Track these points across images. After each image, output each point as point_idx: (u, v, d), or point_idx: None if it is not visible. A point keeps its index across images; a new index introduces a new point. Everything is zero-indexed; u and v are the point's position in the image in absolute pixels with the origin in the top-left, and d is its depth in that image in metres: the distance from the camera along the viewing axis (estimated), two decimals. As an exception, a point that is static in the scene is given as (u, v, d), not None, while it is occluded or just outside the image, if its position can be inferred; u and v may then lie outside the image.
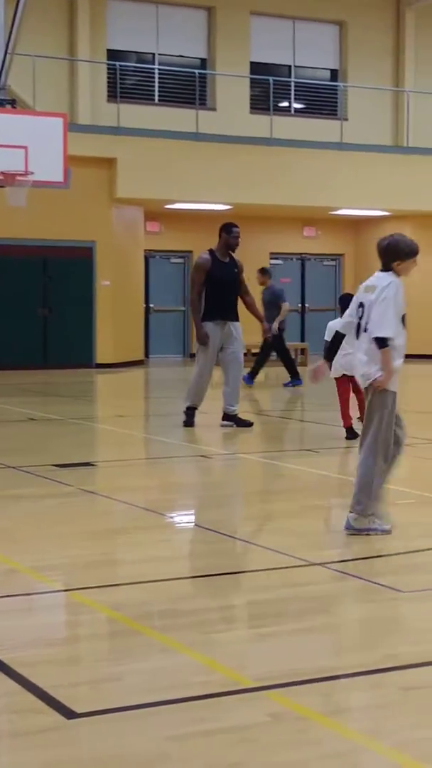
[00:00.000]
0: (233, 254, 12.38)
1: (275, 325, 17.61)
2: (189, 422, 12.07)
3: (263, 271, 18.83)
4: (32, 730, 3.64)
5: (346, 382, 11.09)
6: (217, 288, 12.14)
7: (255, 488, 9.13)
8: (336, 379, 11.18)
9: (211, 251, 12.34)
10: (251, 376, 17.90)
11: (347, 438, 11.02)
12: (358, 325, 6.77)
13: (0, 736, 3.66)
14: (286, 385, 18.32)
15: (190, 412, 12.12)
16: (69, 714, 3.76)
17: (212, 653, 4.47)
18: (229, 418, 12.11)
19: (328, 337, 10.47)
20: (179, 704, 3.87)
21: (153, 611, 5.12)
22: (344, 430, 11.19)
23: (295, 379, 18.24)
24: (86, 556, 6.20)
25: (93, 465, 9.98)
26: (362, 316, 6.73)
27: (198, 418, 12.13)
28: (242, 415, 12.23)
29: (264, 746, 3.52)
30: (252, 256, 26.98)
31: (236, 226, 12.42)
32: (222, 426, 12.07)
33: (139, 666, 4.33)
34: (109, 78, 23.79)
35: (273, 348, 18.12)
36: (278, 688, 4.01)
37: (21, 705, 3.86)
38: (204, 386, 12.15)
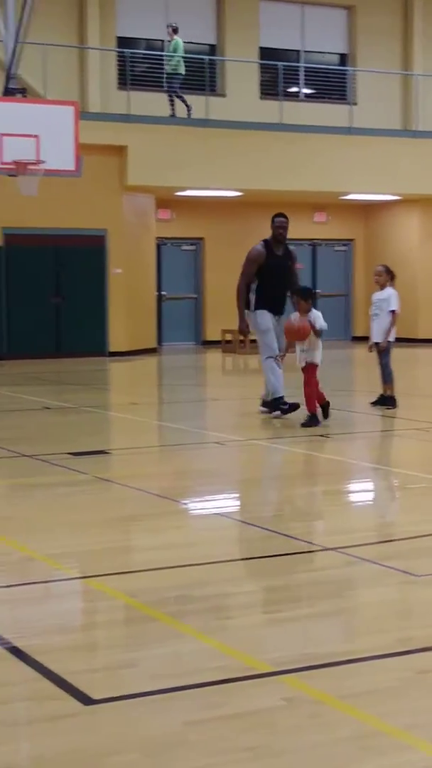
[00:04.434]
0: (287, 245, 12.27)
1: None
2: (286, 408, 11.82)
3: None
4: (50, 717, 3.68)
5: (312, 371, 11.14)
6: (269, 280, 12.04)
7: (268, 474, 9.18)
8: (302, 368, 11.21)
9: (266, 242, 12.23)
10: None
11: (307, 425, 11.02)
12: None
13: (18, 723, 3.71)
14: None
15: (281, 401, 11.90)
16: (86, 700, 3.80)
17: (227, 639, 4.51)
18: (268, 404, 12.07)
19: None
20: (195, 689, 3.92)
21: (168, 597, 5.17)
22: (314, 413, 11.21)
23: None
24: (102, 544, 6.25)
25: (107, 453, 10.03)
26: None
27: (213, 404, 12.15)
28: (249, 402, 12.21)
29: (280, 730, 3.57)
30: (263, 242, 26.97)
31: (280, 216, 12.28)
32: (261, 412, 12.03)
33: (155, 652, 4.37)
34: (119, 65, 23.78)
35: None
36: (293, 673, 4.06)
37: (39, 692, 3.91)
38: (279, 374, 11.95)
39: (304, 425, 11.06)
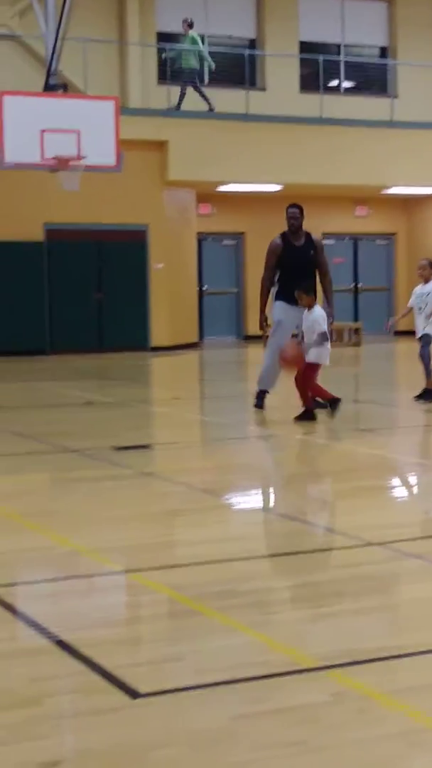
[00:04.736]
0: (312, 235, 12.23)
1: None
2: (258, 404, 12.01)
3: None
4: (98, 710, 3.70)
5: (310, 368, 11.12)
6: (288, 271, 12.05)
7: (311, 468, 9.16)
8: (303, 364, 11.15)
9: (283, 234, 12.22)
10: None
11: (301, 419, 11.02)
12: None
13: (66, 716, 3.72)
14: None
15: (261, 395, 12.07)
16: (133, 694, 3.81)
17: (272, 633, 4.51)
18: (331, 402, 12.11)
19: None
20: (241, 684, 3.92)
21: (212, 592, 5.16)
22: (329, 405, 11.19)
23: None
24: (145, 538, 6.27)
25: (150, 447, 10.05)
26: None
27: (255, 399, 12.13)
28: (294, 397, 12.20)
29: (326, 726, 3.56)
30: (304, 236, 26.93)
31: (292, 206, 12.26)
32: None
33: (201, 646, 4.37)
34: (159, 60, 23.80)
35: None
36: (339, 668, 4.04)
37: (86, 685, 3.92)
38: (272, 370, 12.00)
39: (297, 418, 11.01)
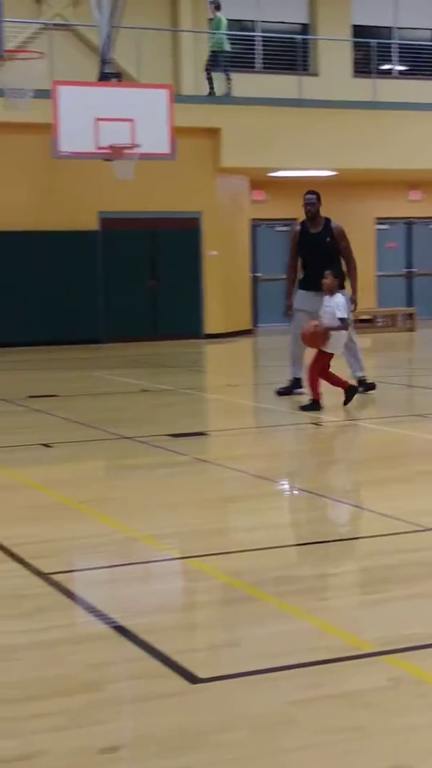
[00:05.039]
0: (332, 221, 12.23)
1: None
2: (283, 390, 12.24)
3: None
4: (158, 695, 3.73)
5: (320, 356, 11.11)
6: (306, 258, 12.19)
7: (365, 455, 9.15)
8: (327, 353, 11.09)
9: (303, 222, 12.31)
10: None
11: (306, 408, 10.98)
12: None
13: (126, 701, 3.76)
14: None
15: (295, 383, 12.22)
16: (192, 679, 3.84)
17: (329, 618, 4.52)
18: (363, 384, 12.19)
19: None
20: (300, 669, 3.94)
21: (268, 578, 5.19)
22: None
23: None
24: (201, 524, 6.30)
25: (205, 434, 10.08)
26: None
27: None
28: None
29: (385, 710, 3.57)
30: (358, 221, 26.84)
31: (309, 193, 12.29)
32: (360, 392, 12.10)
33: (258, 631, 4.40)
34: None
35: None
36: (397, 653, 4.05)
37: (146, 670, 3.96)
38: (295, 348, 12.21)
39: (303, 408, 10.99)
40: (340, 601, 4.87)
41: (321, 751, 3.29)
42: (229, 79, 22.42)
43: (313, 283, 11.89)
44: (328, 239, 12.10)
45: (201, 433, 10.02)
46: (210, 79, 22.44)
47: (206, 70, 22.55)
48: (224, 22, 22.46)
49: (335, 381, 11.11)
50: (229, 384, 14.45)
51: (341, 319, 10.92)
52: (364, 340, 21.63)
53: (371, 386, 12.23)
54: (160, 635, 4.31)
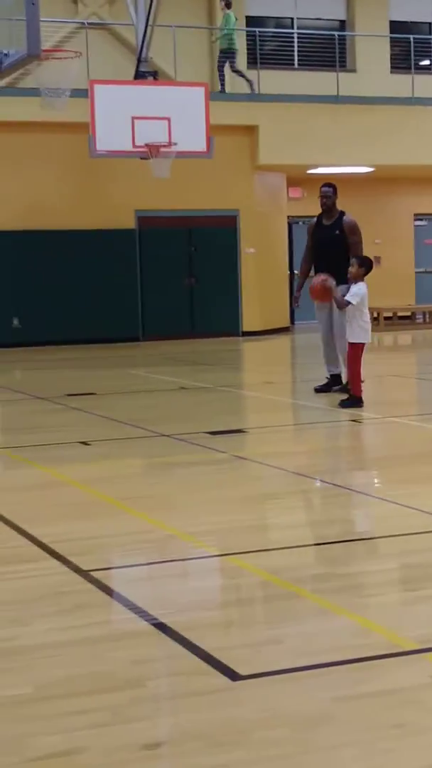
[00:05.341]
0: (345, 215, 12.15)
1: None
2: (320, 388, 12.29)
3: None
4: (199, 692, 3.73)
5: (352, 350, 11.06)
6: (316, 250, 12.25)
7: (404, 451, 9.09)
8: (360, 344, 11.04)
9: (319, 214, 12.29)
10: None
11: (345, 405, 10.96)
12: None
13: (167, 698, 3.76)
14: None
15: (334, 379, 12.22)
16: (233, 675, 3.84)
17: (370, 616, 4.50)
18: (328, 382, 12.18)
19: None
20: (341, 666, 3.92)
21: (308, 575, 5.17)
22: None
23: None
24: (241, 521, 6.29)
25: (244, 431, 10.07)
26: None
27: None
28: (385, 380, 12.19)
29: (428, 708, 3.54)
30: (396, 217, 26.76)
31: (326, 185, 12.29)
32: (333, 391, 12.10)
33: (299, 629, 4.38)
34: (248, 45, 23.74)
35: None
36: (439, 651, 4.03)
37: (187, 667, 3.96)
38: (326, 349, 12.26)
39: (342, 405, 10.95)
40: (381, 598, 4.84)
41: (362, 749, 3.27)
42: (247, 79, 21.95)
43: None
44: (337, 232, 12.06)
45: (239, 431, 10.01)
46: (222, 77, 22.02)
47: (219, 68, 22.15)
48: (233, 20, 21.89)
49: (356, 377, 11.02)
50: (267, 381, 14.43)
51: (347, 301, 10.90)
52: (403, 337, 21.58)
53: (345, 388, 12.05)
54: (201, 632, 4.31)
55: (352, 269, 11.05)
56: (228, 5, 21.94)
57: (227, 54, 22.03)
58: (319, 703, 3.60)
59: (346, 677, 3.83)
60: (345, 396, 11.18)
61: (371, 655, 4.01)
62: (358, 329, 10.96)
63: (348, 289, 11.03)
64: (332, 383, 12.17)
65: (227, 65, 21.96)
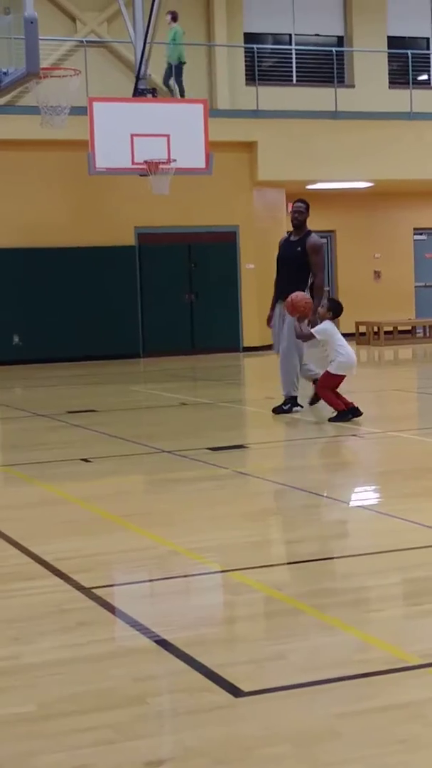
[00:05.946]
0: (312, 234, 12.03)
1: None
2: (313, 400, 12.14)
3: None
4: (202, 708, 3.71)
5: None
6: (277, 264, 12.24)
7: (407, 466, 9.08)
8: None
9: (290, 231, 12.27)
10: None
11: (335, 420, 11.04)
12: None
13: (170, 714, 3.74)
14: None
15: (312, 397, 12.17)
16: (236, 692, 3.82)
17: (373, 631, 4.48)
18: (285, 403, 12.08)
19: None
20: (345, 682, 3.91)
21: (311, 590, 5.16)
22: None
23: None
24: (243, 537, 6.28)
25: (245, 447, 10.07)
26: None
27: (349, 397, 12.05)
28: (386, 394, 12.17)
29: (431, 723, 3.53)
30: (395, 231, 26.79)
31: (299, 201, 12.25)
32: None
33: (302, 644, 4.37)
34: (246, 61, 23.82)
35: None
36: (443, 665, 4.02)
37: (189, 683, 3.94)
38: (300, 365, 12.14)
39: (331, 420, 11.02)
40: (385, 613, 4.83)
41: (367, 765, 3.25)
42: (182, 92, 21.02)
43: (277, 293, 11.88)
44: (299, 249, 11.97)
45: (240, 446, 10.00)
46: (171, 92, 21.23)
47: (164, 82, 21.42)
48: (180, 33, 21.16)
49: (331, 401, 11.15)
50: (268, 396, 14.41)
51: (312, 334, 11.16)
52: (403, 351, 21.58)
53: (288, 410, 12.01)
54: (203, 648, 4.30)
55: (321, 310, 11.14)
56: (174, 19, 21.14)
57: (177, 67, 21.11)
58: (323, 719, 3.58)
59: (350, 693, 3.82)
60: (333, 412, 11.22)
61: (375, 670, 4.00)
62: (338, 364, 11.13)
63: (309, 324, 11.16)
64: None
65: (172, 78, 21.14)
